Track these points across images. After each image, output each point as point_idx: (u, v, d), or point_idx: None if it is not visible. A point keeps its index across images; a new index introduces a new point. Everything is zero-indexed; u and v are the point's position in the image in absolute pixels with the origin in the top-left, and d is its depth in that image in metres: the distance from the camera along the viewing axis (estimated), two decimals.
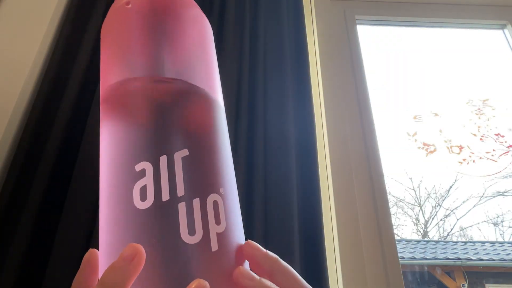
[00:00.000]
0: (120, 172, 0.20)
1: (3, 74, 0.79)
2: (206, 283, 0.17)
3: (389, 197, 0.85)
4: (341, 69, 1.00)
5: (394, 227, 0.82)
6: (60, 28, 0.90)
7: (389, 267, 0.75)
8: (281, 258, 0.21)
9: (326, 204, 0.81)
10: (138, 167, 0.19)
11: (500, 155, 1.18)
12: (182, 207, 0.18)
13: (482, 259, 2.14)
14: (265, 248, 0.21)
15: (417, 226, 2.17)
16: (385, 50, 1.35)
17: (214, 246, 0.18)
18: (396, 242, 0.79)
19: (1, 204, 0.66)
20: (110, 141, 0.21)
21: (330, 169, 0.84)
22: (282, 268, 0.21)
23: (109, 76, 0.23)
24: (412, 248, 2.24)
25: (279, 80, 0.86)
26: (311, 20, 1.06)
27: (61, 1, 0.92)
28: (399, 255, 0.77)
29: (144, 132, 0.21)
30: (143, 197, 0.19)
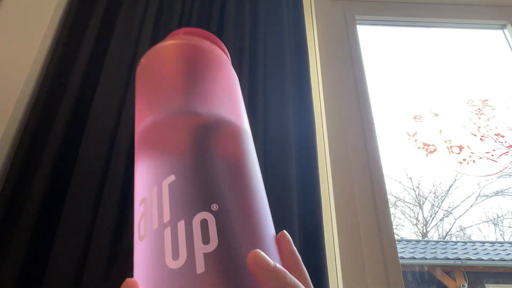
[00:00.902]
0: (135, 211, 0.21)
1: (3, 74, 0.79)
2: None
3: (389, 197, 0.85)
4: (341, 69, 1.00)
5: (394, 227, 0.82)
6: (60, 28, 0.90)
7: (389, 267, 0.75)
8: None
9: (326, 204, 0.81)
10: (140, 204, 0.20)
11: (500, 155, 1.18)
12: (167, 232, 0.18)
13: (482, 259, 2.14)
14: None
15: (416, 226, 2.17)
16: (385, 50, 1.35)
17: (200, 268, 0.17)
18: (396, 242, 0.79)
19: (1, 204, 0.66)
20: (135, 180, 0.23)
21: (330, 169, 0.84)
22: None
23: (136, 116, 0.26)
24: (412, 248, 2.24)
25: (279, 80, 0.86)
26: (311, 20, 1.06)
27: (61, 1, 0.92)
28: (399, 255, 0.77)
29: (143, 168, 0.22)
30: (141, 230, 0.19)
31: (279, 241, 0.21)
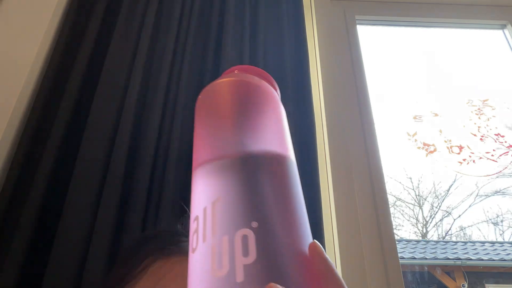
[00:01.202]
0: (190, 227, 0.25)
1: (3, 74, 0.79)
2: None
3: (388, 197, 0.85)
4: (341, 69, 1.00)
5: (393, 227, 0.82)
6: (60, 28, 0.90)
7: (389, 267, 0.75)
8: None
9: (326, 204, 0.81)
10: (194, 221, 0.24)
11: (500, 155, 1.18)
12: (214, 245, 0.21)
13: (482, 259, 2.14)
14: None
15: (416, 226, 2.17)
16: (385, 50, 1.35)
17: (240, 277, 0.20)
18: (396, 242, 0.79)
19: (1, 204, 0.66)
20: None
21: (330, 169, 0.84)
22: None
23: (200, 150, 0.29)
24: (412, 248, 2.24)
25: (280, 80, 0.86)
26: (311, 20, 1.06)
27: (61, 1, 0.92)
28: (399, 255, 0.77)
29: (198, 190, 0.26)
30: (194, 244, 0.23)
31: (310, 252, 0.23)
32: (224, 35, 0.88)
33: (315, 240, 0.23)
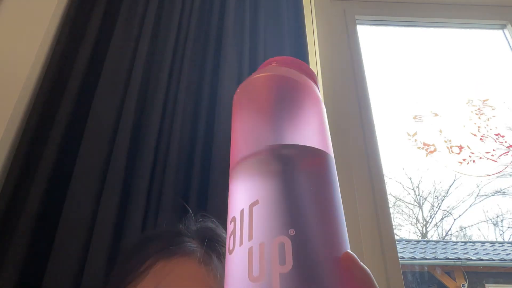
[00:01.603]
0: (227, 227, 0.24)
1: (3, 74, 0.79)
2: None
3: (388, 197, 0.85)
4: (341, 69, 1.00)
5: (394, 227, 0.82)
6: (60, 28, 0.90)
7: (389, 267, 0.75)
8: None
9: None
10: (230, 222, 0.24)
11: (500, 155, 1.18)
12: (250, 250, 0.21)
13: (482, 259, 2.14)
14: None
15: (416, 226, 2.17)
16: (385, 50, 1.35)
17: (276, 286, 0.19)
18: (396, 242, 0.79)
19: (1, 204, 0.66)
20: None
21: None
22: None
23: (238, 147, 0.28)
24: (412, 248, 2.24)
25: None
26: (311, 20, 1.06)
27: (61, 1, 0.92)
28: (399, 255, 0.77)
29: (235, 190, 0.25)
30: (231, 245, 0.23)
31: (345, 263, 0.22)
32: (224, 35, 0.88)
33: (347, 250, 0.22)
